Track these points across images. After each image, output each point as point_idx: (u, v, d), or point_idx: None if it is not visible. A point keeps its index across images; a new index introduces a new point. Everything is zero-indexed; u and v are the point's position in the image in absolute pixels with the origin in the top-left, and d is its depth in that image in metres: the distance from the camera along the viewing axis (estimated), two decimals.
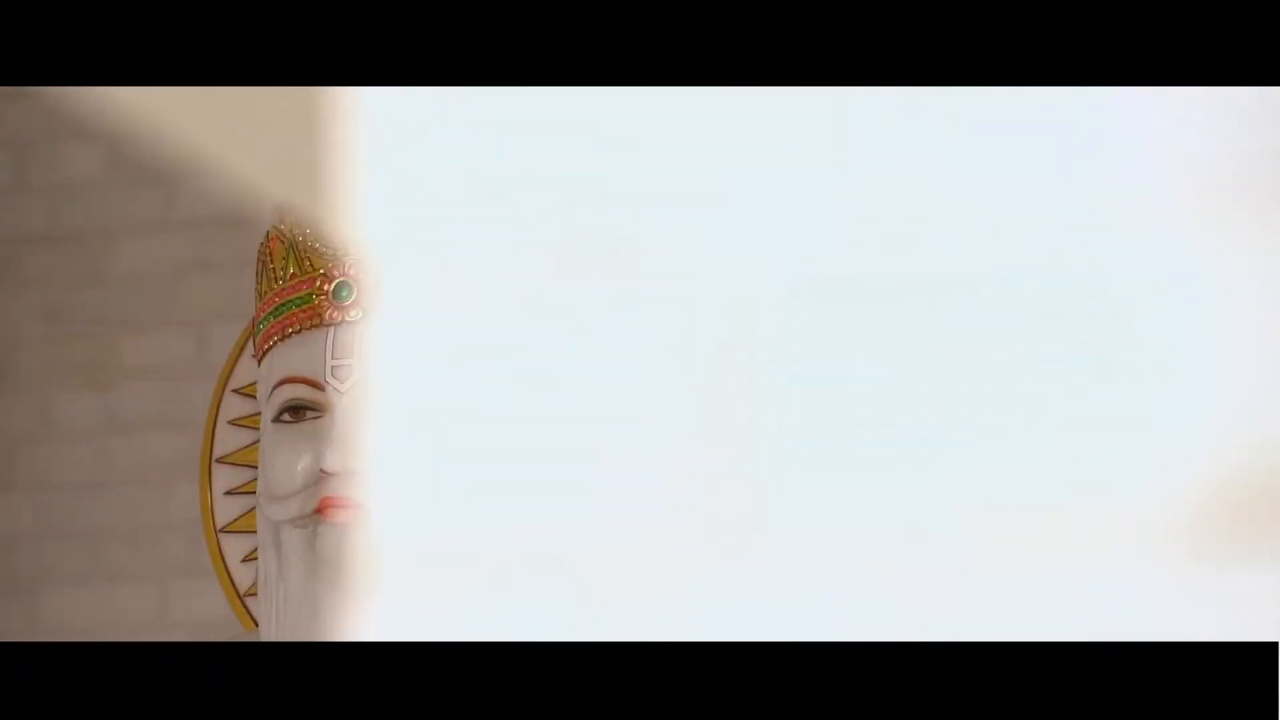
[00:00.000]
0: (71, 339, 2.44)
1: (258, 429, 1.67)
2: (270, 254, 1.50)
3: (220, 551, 1.68)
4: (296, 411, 1.44)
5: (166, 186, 2.44)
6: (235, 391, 1.72)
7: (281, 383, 1.45)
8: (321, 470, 1.40)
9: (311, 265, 1.44)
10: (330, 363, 1.42)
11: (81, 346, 2.44)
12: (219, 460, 1.70)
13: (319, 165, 0.38)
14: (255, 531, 1.63)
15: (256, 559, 1.65)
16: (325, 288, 1.43)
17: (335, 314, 1.42)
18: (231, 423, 1.71)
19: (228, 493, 1.69)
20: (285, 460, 1.43)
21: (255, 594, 1.64)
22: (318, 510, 1.40)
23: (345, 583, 1.40)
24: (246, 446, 1.68)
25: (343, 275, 1.43)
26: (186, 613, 2.35)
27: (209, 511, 1.69)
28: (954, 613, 0.34)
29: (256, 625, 1.63)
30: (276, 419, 1.45)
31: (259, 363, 1.52)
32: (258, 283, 1.53)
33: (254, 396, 1.67)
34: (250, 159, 0.41)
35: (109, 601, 2.39)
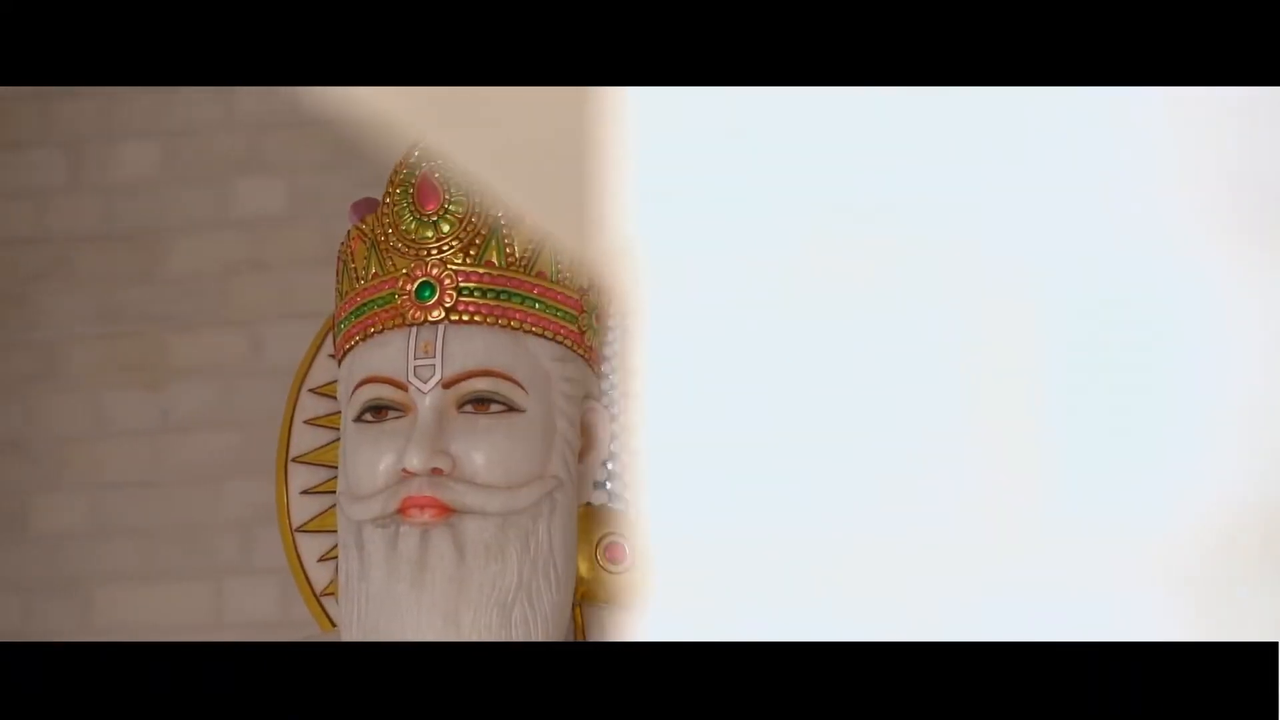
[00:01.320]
0: (124, 338, 2.45)
1: (334, 428, 1.67)
2: (351, 254, 1.50)
3: (297, 551, 1.68)
4: (378, 411, 1.44)
5: (220, 186, 2.45)
6: (311, 391, 1.71)
7: (363, 382, 1.45)
8: (404, 470, 1.39)
9: (394, 265, 1.44)
10: (413, 362, 1.42)
11: (134, 345, 2.45)
12: (295, 460, 1.70)
13: (587, 166, 0.38)
14: (331, 531, 1.63)
15: (333, 558, 1.65)
16: (408, 287, 1.43)
17: (418, 314, 1.42)
18: (307, 422, 1.71)
19: (304, 492, 1.68)
20: (367, 460, 1.43)
21: (332, 593, 1.63)
22: (400, 510, 1.39)
23: (426, 582, 1.40)
24: (323, 446, 1.68)
25: (425, 275, 1.42)
26: (240, 612, 2.36)
27: (285, 511, 1.69)
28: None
29: (334, 625, 1.63)
30: (358, 419, 1.45)
31: (339, 363, 1.52)
32: (338, 282, 1.53)
33: (330, 396, 1.67)
34: (517, 160, 0.41)
35: (162, 600, 2.40)
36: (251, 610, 2.33)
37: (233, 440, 2.32)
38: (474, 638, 1.38)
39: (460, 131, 0.42)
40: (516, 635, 1.39)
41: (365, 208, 1.61)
